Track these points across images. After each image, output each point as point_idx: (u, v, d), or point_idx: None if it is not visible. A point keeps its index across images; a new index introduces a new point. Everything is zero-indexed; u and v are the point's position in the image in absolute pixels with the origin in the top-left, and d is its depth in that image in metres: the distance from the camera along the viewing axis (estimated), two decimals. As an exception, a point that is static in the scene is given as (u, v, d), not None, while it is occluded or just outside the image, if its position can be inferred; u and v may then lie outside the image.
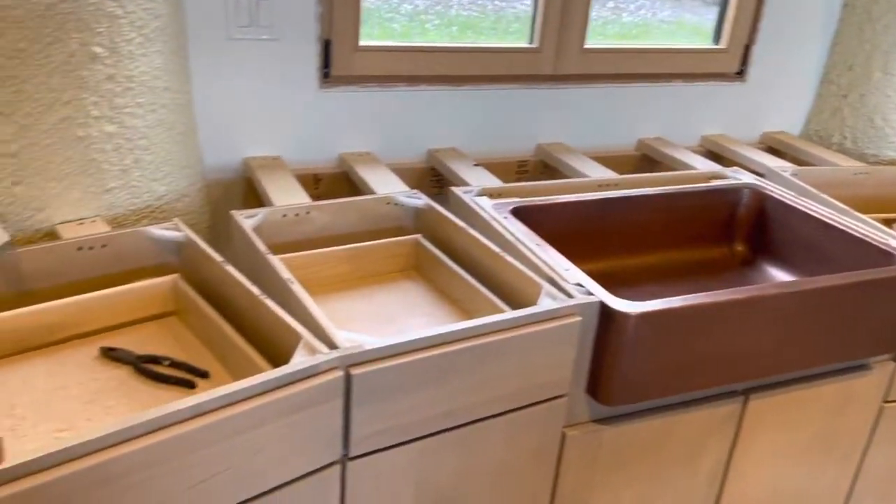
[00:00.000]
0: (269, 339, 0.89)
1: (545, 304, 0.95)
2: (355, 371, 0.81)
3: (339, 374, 0.80)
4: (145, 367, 0.89)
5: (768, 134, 1.84)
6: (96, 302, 0.95)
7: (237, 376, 0.89)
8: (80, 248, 0.99)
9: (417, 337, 0.85)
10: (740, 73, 1.76)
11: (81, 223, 1.06)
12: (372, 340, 0.84)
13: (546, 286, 0.98)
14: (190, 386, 0.87)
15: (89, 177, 1.05)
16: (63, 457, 0.64)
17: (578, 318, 0.95)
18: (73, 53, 0.97)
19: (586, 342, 0.99)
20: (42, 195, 1.01)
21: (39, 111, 0.97)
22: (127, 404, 0.83)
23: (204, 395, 0.71)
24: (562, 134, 1.63)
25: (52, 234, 1.04)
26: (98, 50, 0.99)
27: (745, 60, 1.75)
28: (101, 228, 1.05)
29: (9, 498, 0.60)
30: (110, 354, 0.91)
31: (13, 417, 0.79)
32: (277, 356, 0.86)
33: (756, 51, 1.75)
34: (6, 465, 0.60)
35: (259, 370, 0.83)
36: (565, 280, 1.01)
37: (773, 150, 1.80)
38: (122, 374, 0.89)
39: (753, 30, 1.73)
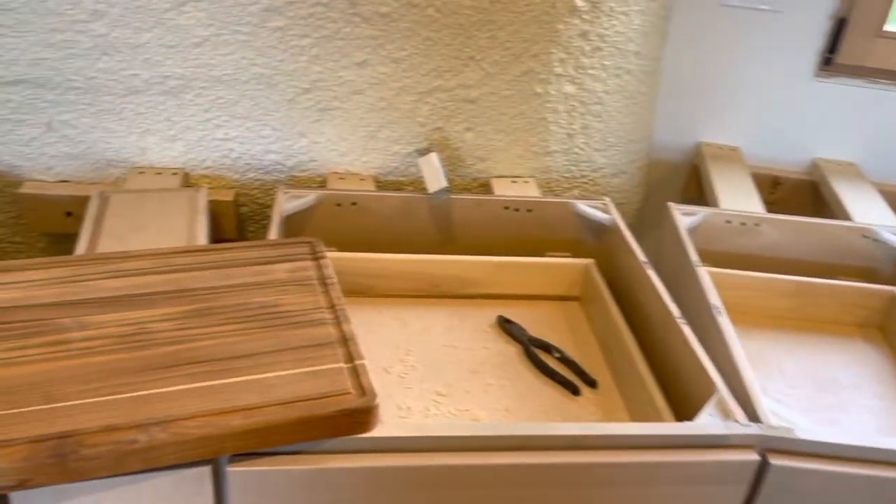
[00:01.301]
0: (672, 370, 0.74)
1: None
2: (775, 460, 0.62)
3: (754, 456, 0.62)
4: (534, 354, 0.82)
5: None
6: (511, 268, 0.90)
7: (626, 395, 0.77)
8: (506, 208, 0.96)
9: (880, 446, 0.62)
10: None
11: (515, 181, 1.02)
12: (808, 428, 0.63)
13: None
14: (574, 391, 0.78)
15: (535, 135, 1.00)
16: (433, 444, 0.59)
17: None
18: (553, 4, 0.90)
19: None
20: (487, 146, 1.00)
21: (507, 61, 0.94)
22: (507, 388, 0.77)
23: (600, 427, 0.61)
24: None
25: (485, 186, 1.02)
26: (579, 2, 0.91)
27: None
28: (532, 191, 1.00)
29: (379, 470, 0.58)
30: (505, 326, 0.86)
31: (405, 364, 0.79)
32: (677, 396, 0.71)
33: None
34: (376, 434, 0.58)
35: (651, 402, 0.70)
36: None
37: None
38: (511, 351, 0.83)
39: None
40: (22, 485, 0.49)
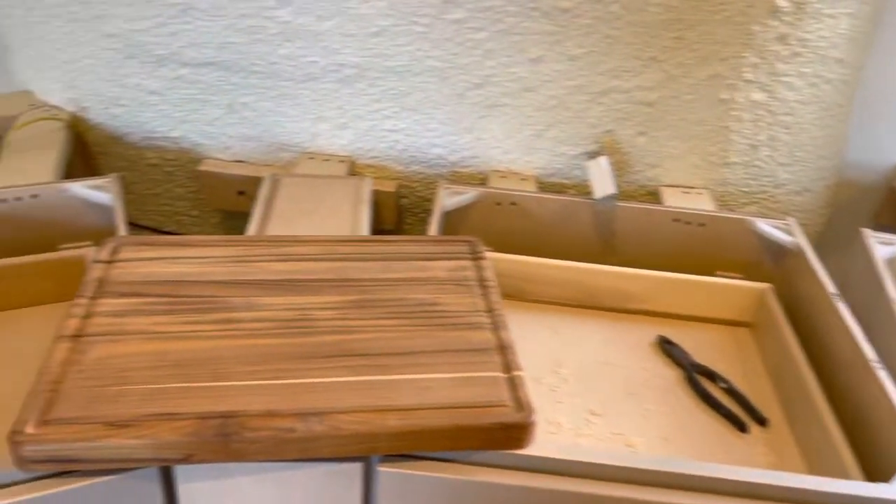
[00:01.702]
0: (860, 419, 0.66)
1: None
2: None
3: (964, 535, 0.53)
4: (698, 381, 0.76)
5: None
6: (676, 285, 0.84)
7: (801, 439, 0.69)
8: (676, 220, 0.90)
9: None
10: None
11: (687, 192, 0.95)
12: None
13: None
14: (741, 427, 0.71)
15: (714, 145, 0.93)
16: (589, 470, 0.55)
17: None
18: (752, 3, 0.83)
19: None
20: (660, 152, 0.94)
21: (691, 63, 0.87)
22: (666, 416, 0.72)
23: (781, 476, 0.55)
24: None
25: (653, 195, 0.96)
26: (781, 2, 0.83)
27: None
28: (706, 204, 0.93)
29: (529, 490, 0.55)
30: (666, 348, 0.80)
31: (557, 376, 0.76)
32: (865, 450, 0.63)
33: None
34: (529, 451, 0.55)
35: (834, 452, 0.62)
36: None
37: None
38: (672, 376, 0.78)
39: None
40: (187, 459, 0.51)
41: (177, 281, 0.65)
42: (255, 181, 0.97)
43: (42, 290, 0.80)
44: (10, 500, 0.49)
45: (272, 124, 0.96)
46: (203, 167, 0.98)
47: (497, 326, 0.64)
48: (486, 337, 0.62)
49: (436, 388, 0.56)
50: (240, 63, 0.92)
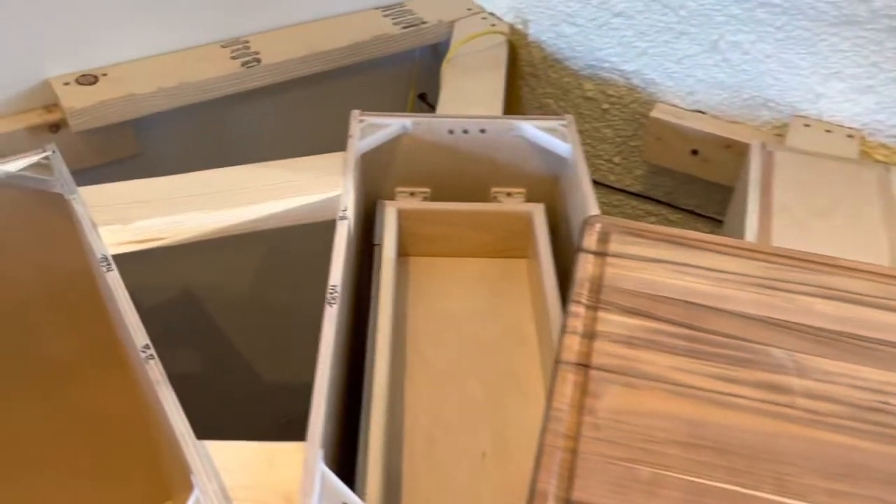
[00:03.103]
0: None
1: None
2: None
3: None
4: None
5: None
6: None
7: None
8: None
9: None
10: None
11: None
12: None
13: None
14: None
15: None
16: None
17: None
18: None
19: None
20: None
21: None
22: None
23: None
24: None
25: None
26: None
27: None
28: None
29: None
30: None
31: None
32: None
33: None
34: None
35: None
36: None
37: None
38: None
39: None
40: None
41: (692, 303, 0.49)
42: (716, 141, 0.78)
43: (476, 242, 0.70)
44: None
45: (763, 73, 0.74)
46: (655, 113, 0.80)
47: None
48: None
49: None
50: (750, -11, 0.70)
